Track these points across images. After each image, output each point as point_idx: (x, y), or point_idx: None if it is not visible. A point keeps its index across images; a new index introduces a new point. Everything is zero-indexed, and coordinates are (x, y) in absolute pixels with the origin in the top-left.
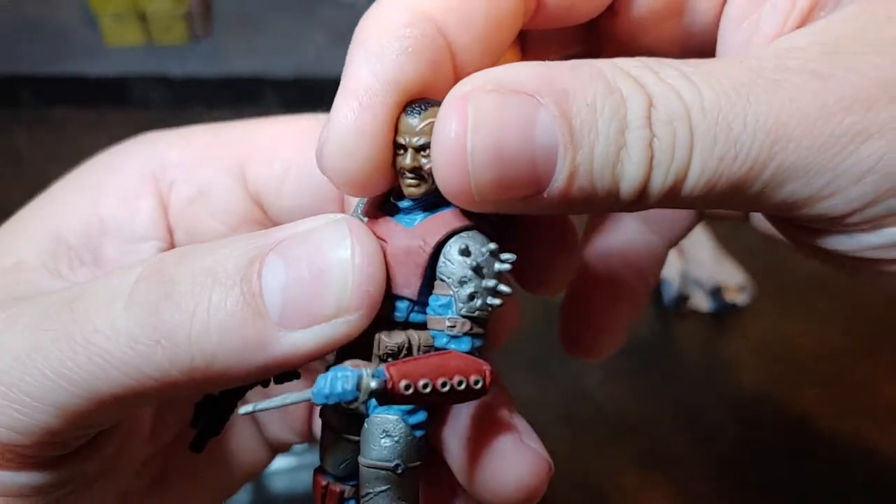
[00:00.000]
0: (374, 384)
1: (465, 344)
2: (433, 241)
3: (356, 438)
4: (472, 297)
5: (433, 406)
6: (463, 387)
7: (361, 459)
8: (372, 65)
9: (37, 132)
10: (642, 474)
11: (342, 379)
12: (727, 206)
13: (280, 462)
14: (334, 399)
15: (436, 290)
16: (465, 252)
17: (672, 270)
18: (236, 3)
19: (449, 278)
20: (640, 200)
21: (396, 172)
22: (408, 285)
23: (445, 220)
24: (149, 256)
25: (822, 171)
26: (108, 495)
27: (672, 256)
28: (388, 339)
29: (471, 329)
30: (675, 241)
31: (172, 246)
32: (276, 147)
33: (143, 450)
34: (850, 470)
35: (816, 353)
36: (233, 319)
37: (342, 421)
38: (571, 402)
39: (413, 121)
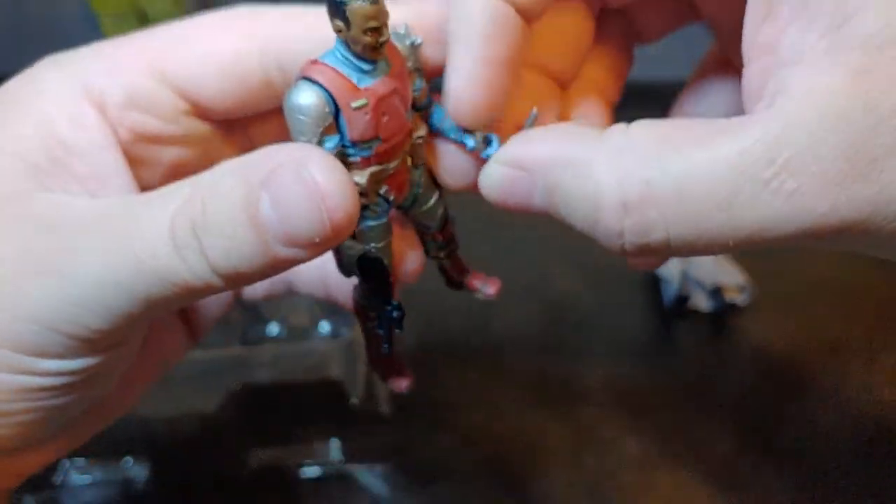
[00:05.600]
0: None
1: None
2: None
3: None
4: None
5: None
6: None
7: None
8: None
9: None
10: (642, 474)
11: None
12: None
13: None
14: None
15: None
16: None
17: (672, 270)
18: (235, 3)
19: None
20: None
21: (361, 34)
22: (408, 97)
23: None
24: (113, 165)
25: (789, 245)
26: (117, 376)
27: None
28: (419, 133)
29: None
30: None
31: (123, 146)
32: (188, 40)
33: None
34: (851, 471)
35: (816, 353)
36: (252, 247)
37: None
38: (571, 402)
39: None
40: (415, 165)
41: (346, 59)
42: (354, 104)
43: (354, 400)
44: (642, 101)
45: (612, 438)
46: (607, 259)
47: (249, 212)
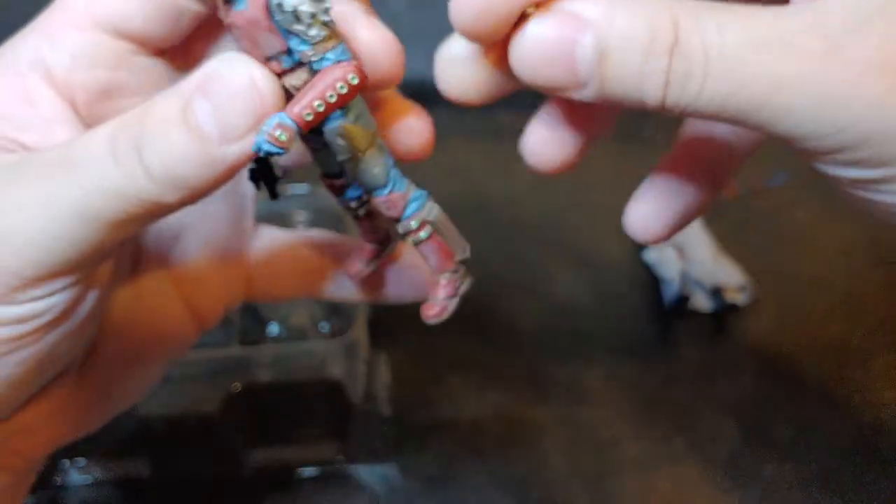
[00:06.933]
0: (284, 136)
1: (329, 60)
2: (261, 3)
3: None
4: (308, 23)
5: (335, 110)
6: (345, 90)
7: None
8: None
9: None
10: (642, 474)
11: (262, 141)
12: (736, 125)
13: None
14: (264, 154)
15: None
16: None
17: (672, 270)
18: None
19: (288, 23)
20: (663, 110)
21: None
22: (272, 44)
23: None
24: (68, 134)
25: (807, 122)
26: (90, 312)
27: (672, 256)
28: (292, 81)
29: (325, 46)
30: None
31: (83, 109)
32: None
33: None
34: (851, 471)
35: (816, 353)
36: (191, 149)
37: (317, 142)
38: (571, 402)
39: None
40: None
41: None
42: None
43: (354, 400)
44: None
45: (612, 438)
46: (607, 259)
47: (184, 115)
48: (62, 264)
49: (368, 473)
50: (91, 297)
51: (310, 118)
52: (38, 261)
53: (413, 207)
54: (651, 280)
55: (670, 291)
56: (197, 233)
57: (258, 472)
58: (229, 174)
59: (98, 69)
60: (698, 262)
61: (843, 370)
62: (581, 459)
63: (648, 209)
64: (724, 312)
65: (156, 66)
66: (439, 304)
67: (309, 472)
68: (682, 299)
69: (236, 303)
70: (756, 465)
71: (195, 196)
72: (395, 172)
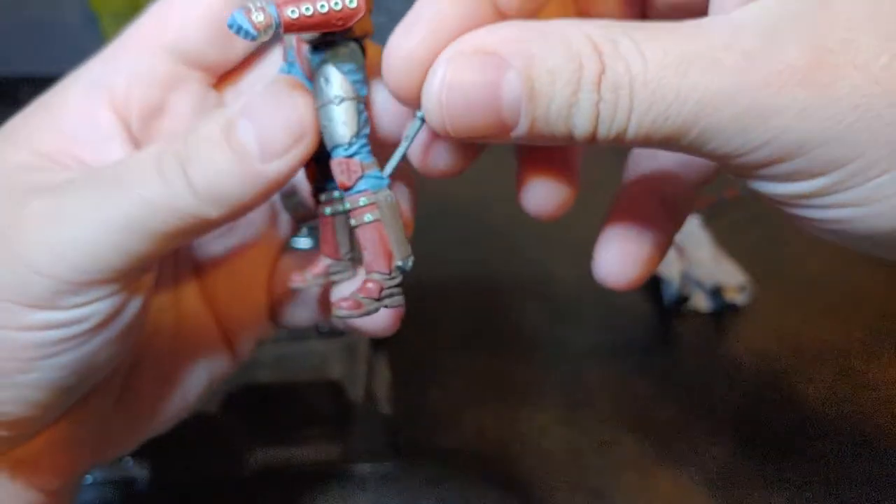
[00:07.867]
0: (260, 17)
1: None
2: None
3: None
4: None
5: (322, 29)
6: (339, 7)
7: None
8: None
9: None
10: (642, 474)
11: (239, 15)
12: (667, 150)
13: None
14: (235, 30)
15: None
16: None
17: (672, 270)
18: None
19: None
20: (593, 142)
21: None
22: None
23: None
24: (122, 152)
25: (735, 137)
26: (130, 324)
27: (672, 256)
28: None
29: None
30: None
31: (132, 133)
32: (171, 5)
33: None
34: (851, 470)
35: (816, 352)
36: (233, 167)
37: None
38: (571, 402)
39: None
40: None
41: None
42: None
43: (355, 400)
44: None
45: (612, 439)
46: None
47: (227, 134)
48: (106, 272)
49: (368, 473)
50: (132, 308)
51: (294, 16)
52: (84, 268)
53: (368, 183)
54: (651, 280)
55: (670, 291)
56: (230, 262)
57: (258, 472)
58: (268, 191)
59: (153, 88)
60: (698, 262)
61: (843, 370)
62: (581, 460)
63: (617, 256)
64: (724, 312)
65: (205, 92)
66: (353, 298)
67: (309, 472)
68: (682, 299)
69: (266, 332)
70: (755, 465)
71: (236, 212)
72: (363, 143)
